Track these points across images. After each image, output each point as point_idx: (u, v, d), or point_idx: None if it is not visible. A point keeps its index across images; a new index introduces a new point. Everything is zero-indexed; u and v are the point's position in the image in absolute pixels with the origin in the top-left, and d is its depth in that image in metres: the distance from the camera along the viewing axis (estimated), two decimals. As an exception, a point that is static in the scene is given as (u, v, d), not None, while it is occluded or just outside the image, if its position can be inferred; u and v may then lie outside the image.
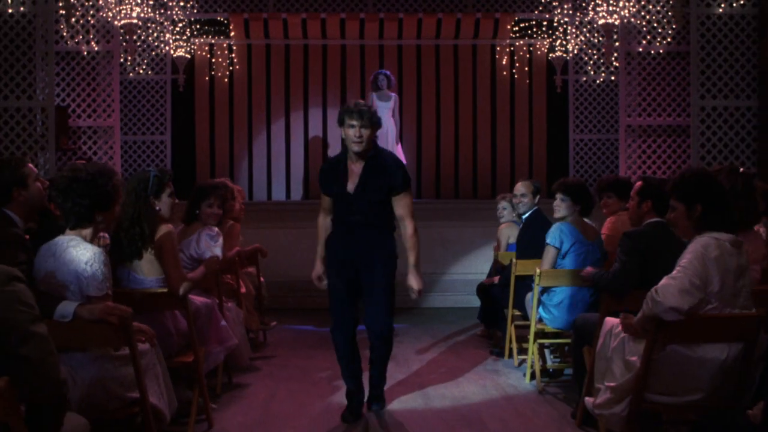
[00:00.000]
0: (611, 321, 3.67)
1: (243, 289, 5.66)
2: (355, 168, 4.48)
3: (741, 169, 3.84)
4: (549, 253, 5.16)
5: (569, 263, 5.11)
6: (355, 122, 4.37)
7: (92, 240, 3.29)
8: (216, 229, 4.95)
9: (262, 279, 6.47)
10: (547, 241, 5.19)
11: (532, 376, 5.23)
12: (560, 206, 5.24)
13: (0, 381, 2.11)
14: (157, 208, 4.22)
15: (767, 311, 3.20)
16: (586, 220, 5.34)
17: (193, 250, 4.75)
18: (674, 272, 3.16)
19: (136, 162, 10.60)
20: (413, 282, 4.48)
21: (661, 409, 3.33)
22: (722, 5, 8.84)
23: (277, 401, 4.88)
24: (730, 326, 3.22)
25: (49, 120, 8.60)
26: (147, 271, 4.07)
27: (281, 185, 11.26)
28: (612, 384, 3.47)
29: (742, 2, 8.83)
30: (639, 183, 4.26)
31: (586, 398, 3.76)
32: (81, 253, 3.15)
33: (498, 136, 11.30)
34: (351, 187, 4.45)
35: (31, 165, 3.66)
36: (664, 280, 3.16)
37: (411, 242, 4.48)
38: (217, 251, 4.77)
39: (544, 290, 5.19)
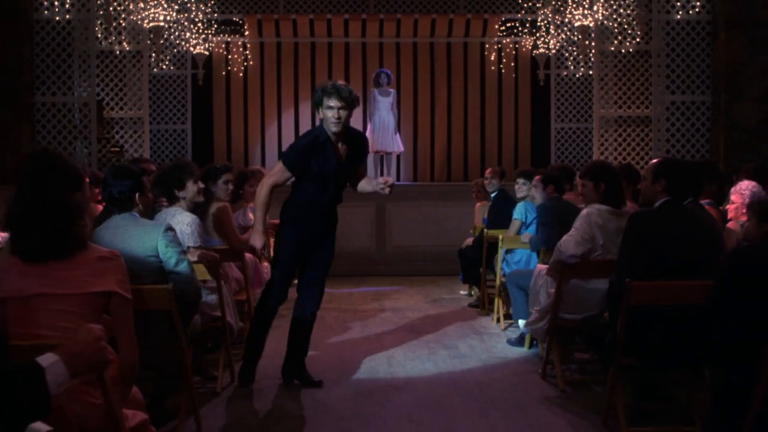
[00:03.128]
0: (540, 267, 5.61)
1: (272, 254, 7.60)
2: (340, 148, 4.91)
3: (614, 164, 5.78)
4: (515, 225, 7.10)
5: (531, 232, 7.04)
6: (333, 103, 4.59)
7: (188, 208, 5.18)
8: (257, 205, 6.89)
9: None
10: (514, 216, 7.13)
11: (498, 320, 7.18)
12: (521, 188, 7.18)
13: (168, 286, 4.04)
14: (212, 190, 6.14)
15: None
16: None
17: (241, 220, 6.68)
18: (571, 231, 5.05)
19: (160, 149, 12.49)
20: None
21: (568, 323, 5.23)
22: (680, 12, 10.70)
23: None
24: (611, 267, 5.09)
25: (91, 113, 10.50)
26: (212, 234, 6.01)
27: (291, 170, 13.11)
28: (538, 308, 5.40)
29: (697, 10, 10.68)
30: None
31: (520, 321, 5.71)
32: (183, 218, 5.06)
33: (487, 126, 13.20)
34: (337, 166, 4.90)
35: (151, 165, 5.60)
36: (564, 237, 5.04)
37: (374, 182, 5.07)
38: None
39: (508, 252, 7.13)
